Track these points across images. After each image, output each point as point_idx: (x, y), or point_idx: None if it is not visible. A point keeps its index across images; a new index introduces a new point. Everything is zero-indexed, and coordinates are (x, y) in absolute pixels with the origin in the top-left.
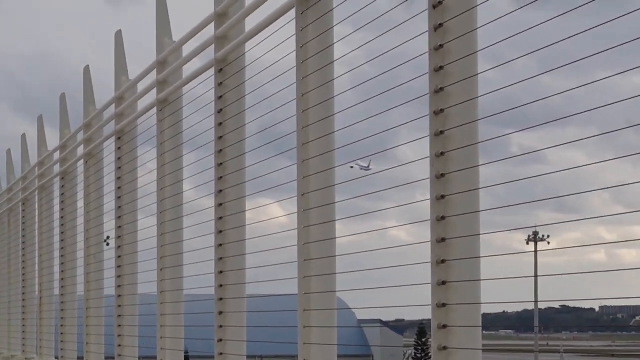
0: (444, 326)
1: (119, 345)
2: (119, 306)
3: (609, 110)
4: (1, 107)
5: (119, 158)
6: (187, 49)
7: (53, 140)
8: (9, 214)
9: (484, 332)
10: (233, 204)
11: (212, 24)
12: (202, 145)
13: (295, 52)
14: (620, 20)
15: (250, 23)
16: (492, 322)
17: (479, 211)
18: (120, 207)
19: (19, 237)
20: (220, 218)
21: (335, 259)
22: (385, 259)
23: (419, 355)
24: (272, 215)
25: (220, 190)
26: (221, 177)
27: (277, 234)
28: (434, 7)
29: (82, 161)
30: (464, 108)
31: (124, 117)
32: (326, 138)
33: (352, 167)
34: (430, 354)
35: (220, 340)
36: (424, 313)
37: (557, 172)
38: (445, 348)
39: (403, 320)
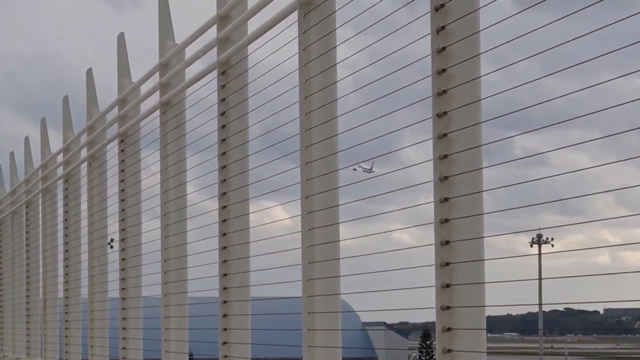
0: (448, 329)
1: (123, 348)
2: (123, 309)
3: (613, 113)
4: (3, 108)
5: (122, 160)
6: (189, 52)
7: (56, 142)
8: (12, 216)
9: (489, 334)
10: (237, 207)
11: (215, 27)
12: (205, 147)
13: (297, 55)
14: (624, 22)
15: (253, 25)
16: (496, 325)
17: (483, 214)
18: (123, 209)
19: (23, 240)
20: (224, 220)
21: (339, 262)
22: (389, 262)
23: (423, 358)
24: (275, 218)
25: (224, 193)
26: (224, 180)
27: (281, 237)
28: (436, 9)
29: (85, 164)
30: (467, 110)
31: (127, 119)
32: (329, 140)
33: (355, 169)
34: (434, 357)
35: (225, 342)
36: (429, 316)
37: (560, 174)
38: (449, 350)
39: (407, 322)
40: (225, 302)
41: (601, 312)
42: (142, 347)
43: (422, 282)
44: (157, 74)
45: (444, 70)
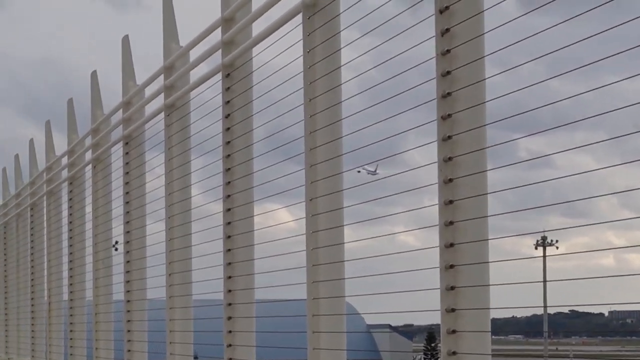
0: (453, 331)
1: (128, 351)
2: (128, 311)
3: (618, 115)
4: (8, 111)
5: (127, 163)
6: (194, 54)
7: (61, 145)
8: (17, 219)
9: (493, 337)
10: (241, 209)
11: (219, 29)
12: (210, 150)
13: (302, 57)
14: (628, 24)
15: (257, 28)
16: (501, 327)
17: (487, 216)
18: (128, 212)
19: (28, 243)
20: (229, 223)
21: (344, 264)
22: (393, 264)
23: None
24: (280, 220)
25: (228, 195)
26: (229, 182)
27: (286, 239)
28: (441, 12)
29: (90, 166)
30: (471, 113)
31: (132, 122)
32: (334, 143)
33: (359, 171)
34: (439, 359)
35: (230, 345)
36: (433, 318)
37: (565, 176)
38: (454, 353)
39: (412, 325)
40: (229, 304)
41: (606, 314)
42: (147, 350)
43: (426, 285)
44: (162, 76)
45: (448, 72)
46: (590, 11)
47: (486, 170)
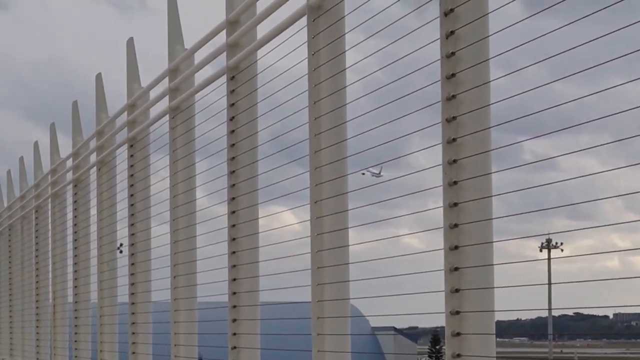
0: (458, 333)
1: (133, 353)
2: (133, 314)
3: (622, 117)
4: (13, 113)
5: (132, 165)
6: (198, 57)
7: (65, 147)
8: (22, 221)
9: (498, 339)
10: (246, 212)
11: (224, 32)
12: (215, 152)
13: (307, 60)
14: (633, 27)
15: (262, 30)
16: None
17: (492, 218)
18: (133, 214)
19: (32, 245)
20: (233, 225)
21: (349, 267)
22: (398, 267)
23: None
24: (284, 223)
25: (233, 198)
26: (234, 185)
27: (290, 242)
28: (446, 14)
29: (94, 168)
30: (476, 115)
31: (136, 124)
32: (338, 145)
33: (363, 173)
34: None
35: (234, 347)
36: (438, 320)
37: (570, 179)
38: (459, 355)
39: (417, 327)
40: (234, 306)
41: (611, 316)
42: (152, 352)
43: (431, 287)
44: (167, 79)
45: (453, 75)
46: (594, 14)
47: (491, 173)
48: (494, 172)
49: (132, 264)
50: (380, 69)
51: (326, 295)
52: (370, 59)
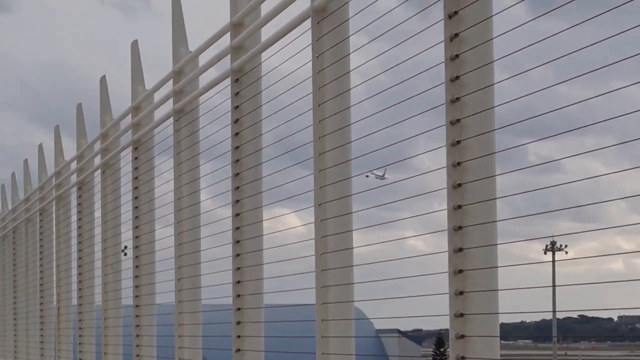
0: (462, 336)
1: (137, 355)
2: (137, 316)
3: (627, 120)
4: (17, 116)
5: (136, 168)
6: (203, 59)
7: (70, 150)
8: (26, 224)
9: (502, 341)
10: (250, 214)
11: (228, 34)
12: (219, 155)
13: (311, 62)
14: (638, 29)
15: (266, 33)
16: (510, 332)
17: (496, 221)
18: (137, 217)
19: (37, 247)
20: (238, 228)
21: (353, 269)
22: (402, 269)
23: None
24: (289, 225)
25: (237, 200)
26: (238, 187)
27: (295, 244)
28: (450, 17)
29: (99, 171)
30: (480, 118)
31: (141, 127)
32: (343, 148)
33: (367, 176)
34: None
35: (238, 350)
36: (442, 323)
37: (574, 181)
38: (463, 358)
39: (421, 330)
40: (238, 309)
41: (615, 319)
42: (156, 355)
43: (435, 289)
44: (171, 81)
45: (457, 77)
46: (599, 16)
47: (495, 175)
48: (498, 175)
49: (137, 266)
50: (384, 72)
51: (330, 297)
52: (374, 62)
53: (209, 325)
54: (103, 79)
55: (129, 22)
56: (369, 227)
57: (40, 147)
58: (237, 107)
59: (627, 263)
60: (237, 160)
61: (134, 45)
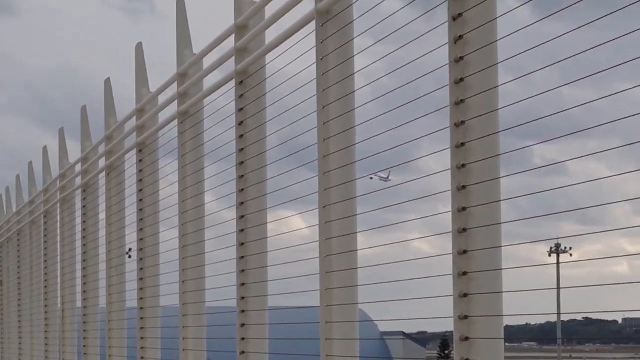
0: (466, 338)
1: (142, 358)
2: (141, 318)
3: (631, 122)
4: (22, 118)
5: (141, 170)
6: (207, 61)
7: (74, 152)
8: (30, 226)
9: (507, 344)
10: (254, 216)
11: (232, 36)
12: (223, 157)
13: (315, 64)
14: None
15: (271, 35)
16: (514, 334)
17: (501, 223)
18: (142, 219)
19: (41, 250)
20: (242, 230)
21: (357, 271)
22: (407, 271)
23: None
24: (293, 227)
25: (242, 203)
26: (242, 189)
27: (299, 246)
28: (454, 19)
29: (103, 173)
30: (484, 120)
31: (145, 129)
32: (347, 150)
33: (371, 178)
34: None
35: (243, 352)
36: (447, 325)
37: (579, 183)
38: None
39: (426, 332)
40: (243, 311)
41: (620, 321)
42: (160, 357)
43: (440, 292)
44: (175, 83)
45: (461, 79)
46: (603, 18)
47: (499, 178)
48: (503, 177)
49: (141, 268)
50: (388, 74)
51: (335, 300)
52: (378, 64)
53: (213, 327)
54: (107, 82)
55: (133, 24)
56: (374, 229)
57: (45, 149)
58: (242, 109)
59: (632, 265)
60: (242, 163)
61: (139, 47)
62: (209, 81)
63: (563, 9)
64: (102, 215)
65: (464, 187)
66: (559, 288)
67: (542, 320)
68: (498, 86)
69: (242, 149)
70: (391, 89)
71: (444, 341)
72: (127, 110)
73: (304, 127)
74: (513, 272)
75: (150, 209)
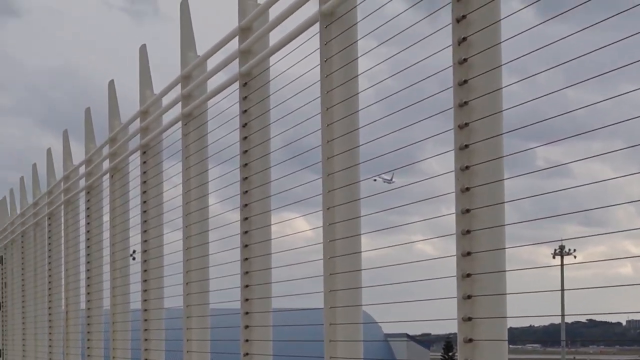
0: (470, 340)
1: (145, 359)
2: (145, 320)
3: (635, 124)
4: (26, 120)
5: (144, 172)
6: (211, 63)
7: (78, 154)
8: (34, 228)
9: (510, 346)
10: (258, 218)
11: (236, 38)
12: (227, 159)
13: (319, 66)
14: None
15: (274, 37)
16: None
17: (504, 225)
18: (145, 221)
19: (45, 252)
20: (246, 232)
21: (361, 273)
22: (411, 273)
23: None
24: (297, 229)
25: (246, 204)
26: (246, 191)
27: (303, 248)
28: (458, 20)
29: (107, 175)
30: (488, 122)
31: (149, 131)
32: (351, 152)
33: (375, 180)
34: None
35: (247, 354)
36: (451, 327)
37: (582, 185)
38: None
39: (430, 334)
40: (246, 313)
41: (624, 323)
42: (164, 359)
43: (443, 293)
44: (179, 85)
45: (465, 81)
46: (608, 19)
47: (503, 179)
48: (507, 179)
49: (145, 270)
50: (392, 76)
51: (338, 301)
52: (382, 66)
53: (217, 329)
54: (111, 83)
55: (137, 26)
56: (377, 231)
57: (49, 151)
58: (246, 111)
59: (636, 267)
60: (246, 164)
61: (142, 49)
62: (212, 83)
63: (567, 11)
64: (106, 217)
65: (467, 189)
66: (562, 290)
67: (545, 322)
68: (502, 88)
69: (246, 151)
70: (395, 90)
71: (448, 343)
72: (131, 112)
73: (307, 128)
74: (517, 274)
75: (154, 211)
